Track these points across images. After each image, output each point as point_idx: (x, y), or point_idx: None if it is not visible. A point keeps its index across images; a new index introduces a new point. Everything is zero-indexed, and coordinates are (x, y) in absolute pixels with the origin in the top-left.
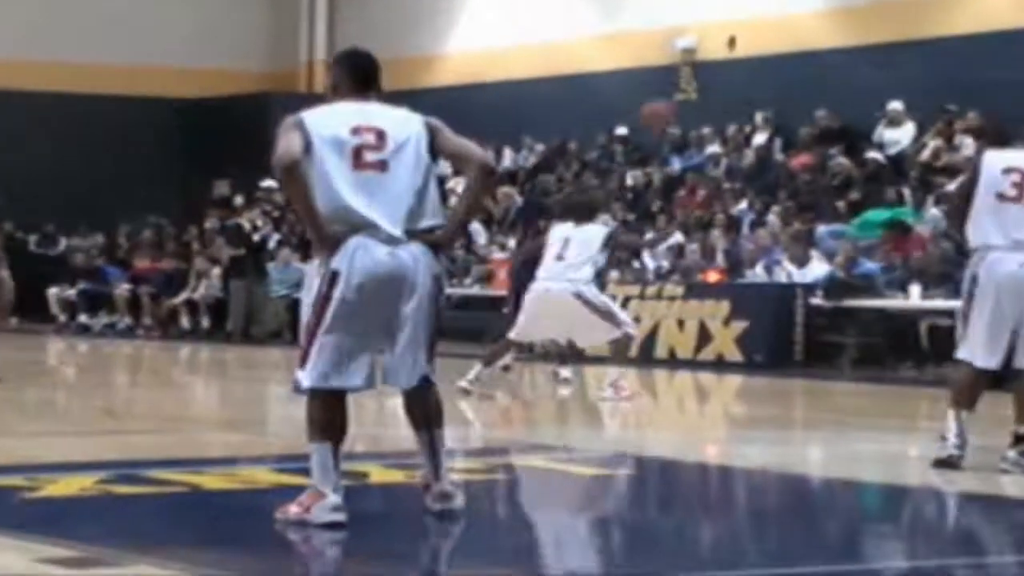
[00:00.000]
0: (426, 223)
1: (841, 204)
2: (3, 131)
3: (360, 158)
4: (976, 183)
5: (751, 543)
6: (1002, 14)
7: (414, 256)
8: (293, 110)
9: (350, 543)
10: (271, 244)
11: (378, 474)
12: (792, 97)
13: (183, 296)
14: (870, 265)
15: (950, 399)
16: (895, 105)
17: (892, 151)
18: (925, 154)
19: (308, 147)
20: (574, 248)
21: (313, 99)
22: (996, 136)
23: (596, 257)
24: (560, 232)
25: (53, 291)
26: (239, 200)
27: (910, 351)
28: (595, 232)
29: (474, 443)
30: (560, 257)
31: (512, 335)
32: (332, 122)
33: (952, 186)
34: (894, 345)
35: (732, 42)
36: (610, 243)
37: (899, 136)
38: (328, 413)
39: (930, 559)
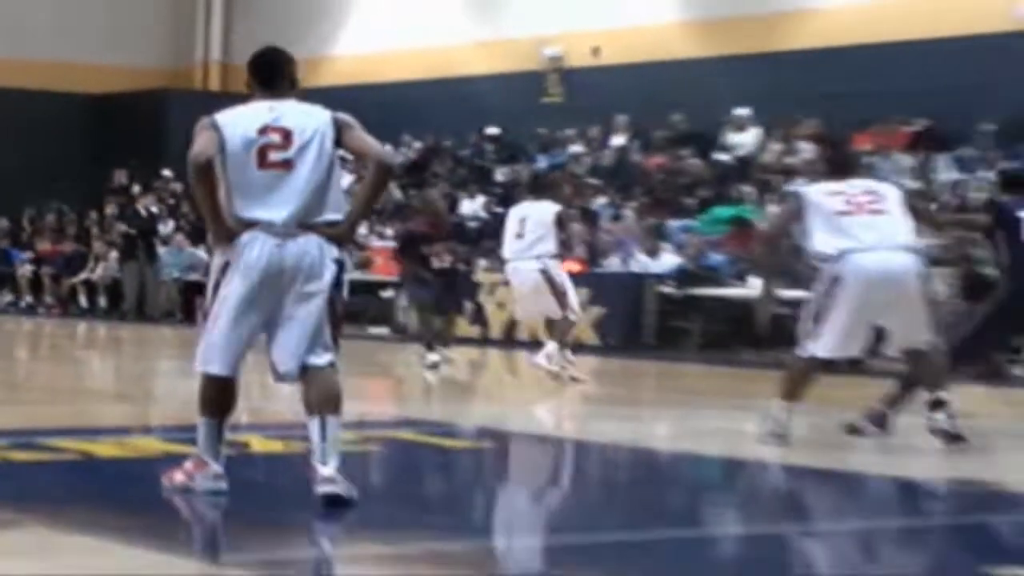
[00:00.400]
0: (327, 217)
1: (691, 201)
2: None
3: (265, 158)
4: (800, 215)
5: (600, 510)
6: (838, 32)
7: (303, 249)
8: (188, 105)
9: (230, 509)
10: (166, 229)
11: (259, 444)
12: (649, 102)
13: (82, 276)
14: (716, 257)
15: (782, 389)
16: (741, 112)
17: (738, 154)
18: (767, 157)
19: (222, 147)
20: (530, 225)
21: (207, 96)
22: (837, 165)
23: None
24: (517, 212)
25: None
26: (136, 188)
27: (750, 336)
28: (548, 209)
29: (351, 417)
30: (520, 235)
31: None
32: (242, 122)
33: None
34: (736, 330)
35: (596, 51)
36: (560, 221)
37: (745, 140)
38: (214, 392)
39: (762, 524)
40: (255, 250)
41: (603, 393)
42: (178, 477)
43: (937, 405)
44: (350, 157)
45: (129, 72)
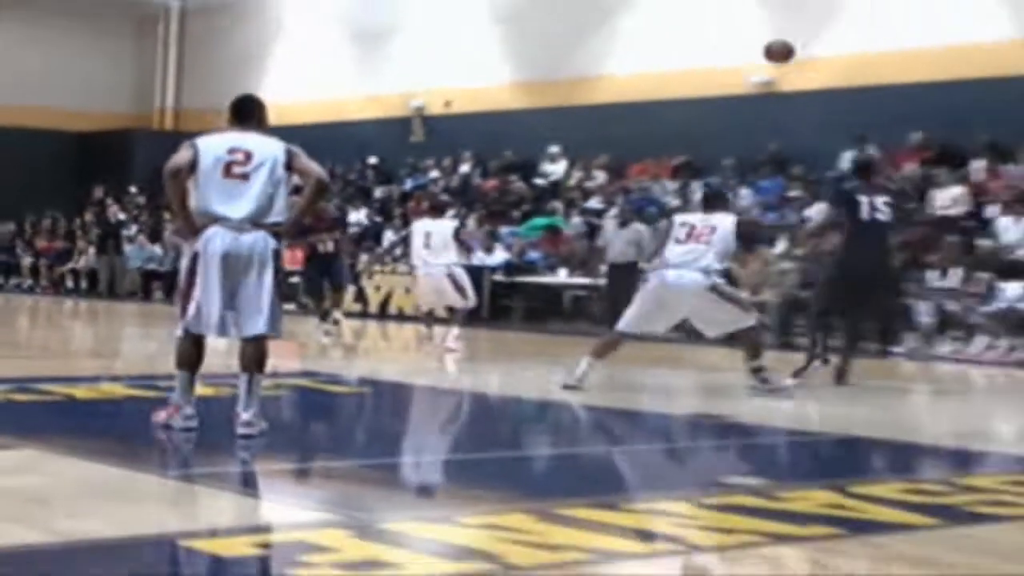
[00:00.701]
0: (273, 219)
1: (516, 213)
2: None
3: (229, 170)
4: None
5: (448, 436)
6: (624, 91)
7: (254, 240)
8: (148, 141)
9: (174, 438)
10: (130, 231)
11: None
12: (487, 141)
13: (69, 266)
14: (534, 254)
15: (593, 350)
16: (553, 148)
17: (551, 179)
18: (571, 182)
19: (195, 162)
20: (436, 239)
21: (163, 134)
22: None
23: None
24: (421, 226)
25: None
26: (109, 201)
27: (558, 312)
28: (448, 225)
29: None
30: (428, 246)
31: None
32: (215, 143)
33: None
34: (548, 308)
35: (448, 103)
36: (457, 234)
37: (556, 169)
38: (188, 350)
39: (565, 447)
40: (217, 240)
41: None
42: (162, 415)
43: (756, 371)
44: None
45: (104, 115)
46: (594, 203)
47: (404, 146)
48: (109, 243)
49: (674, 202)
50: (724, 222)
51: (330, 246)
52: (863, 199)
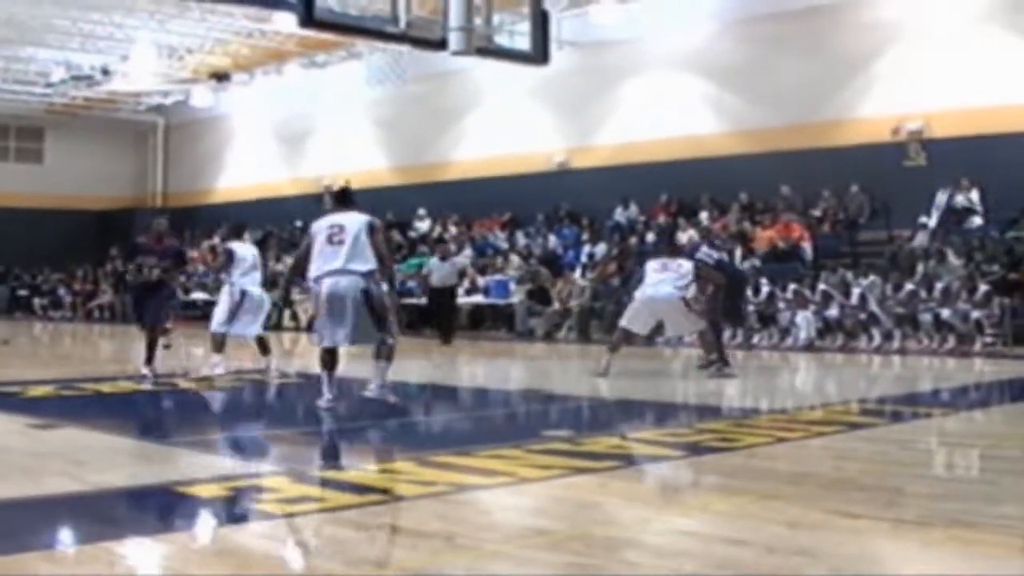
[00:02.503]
0: (363, 267)
1: (398, 256)
2: (11, 231)
3: (331, 239)
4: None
5: (354, 411)
6: (471, 170)
7: (348, 282)
8: (145, 215)
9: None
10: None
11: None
12: (374, 207)
13: (95, 302)
14: (411, 284)
15: (609, 347)
16: (421, 211)
17: (420, 232)
18: (434, 234)
19: (311, 237)
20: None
21: (155, 210)
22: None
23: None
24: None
25: (36, 300)
26: (119, 259)
27: (428, 323)
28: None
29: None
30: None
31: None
32: (322, 224)
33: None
34: (420, 320)
35: (348, 182)
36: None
37: (423, 225)
38: (328, 356)
39: (436, 415)
40: (326, 284)
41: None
42: (319, 402)
43: (708, 364)
44: None
45: (115, 198)
46: (451, 247)
47: (318, 213)
48: (121, 286)
49: (504, 246)
50: (686, 263)
51: (154, 274)
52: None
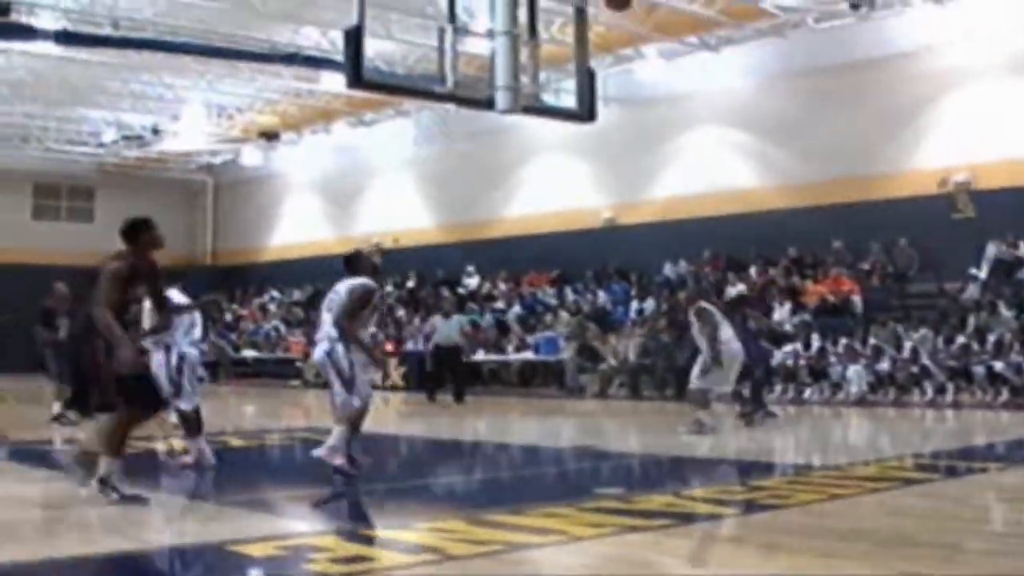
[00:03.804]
0: (336, 332)
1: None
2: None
3: (328, 307)
4: None
5: (402, 468)
6: (522, 227)
7: (320, 348)
8: (197, 274)
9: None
10: None
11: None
12: (424, 265)
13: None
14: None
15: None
16: (470, 268)
17: (469, 289)
18: (483, 290)
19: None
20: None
21: (206, 268)
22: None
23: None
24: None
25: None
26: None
27: (479, 380)
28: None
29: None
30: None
31: None
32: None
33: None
34: (472, 376)
35: (396, 240)
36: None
37: (471, 282)
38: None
39: (488, 473)
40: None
41: (408, 410)
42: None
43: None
44: None
45: (166, 256)
46: (499, 304)
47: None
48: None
49: (553, 302)
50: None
51: (61, 332)
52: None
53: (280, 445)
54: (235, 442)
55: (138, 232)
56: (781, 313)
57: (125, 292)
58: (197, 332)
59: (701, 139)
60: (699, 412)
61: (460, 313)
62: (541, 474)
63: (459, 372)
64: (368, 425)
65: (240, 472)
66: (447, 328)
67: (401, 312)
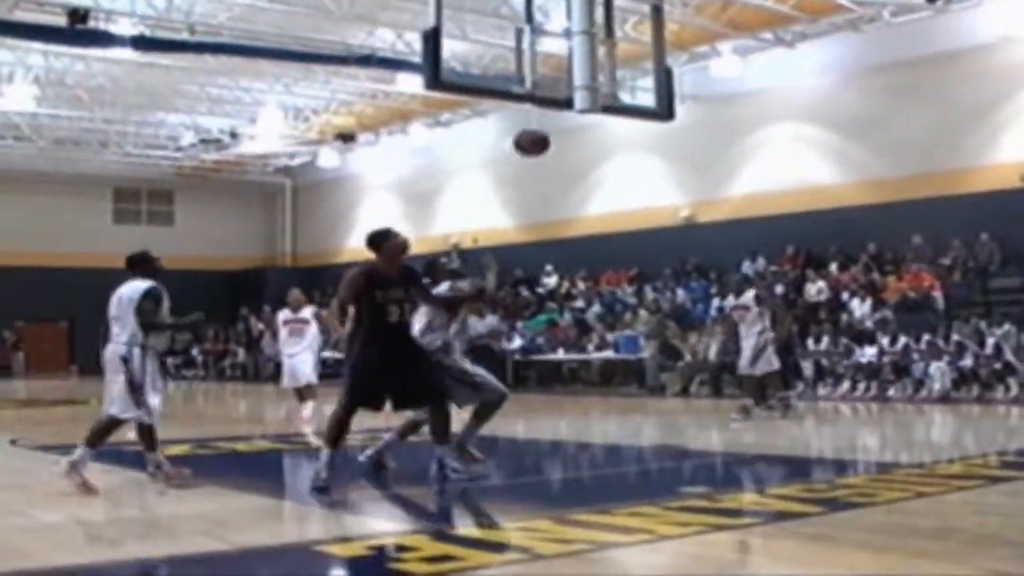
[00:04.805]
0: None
1: (527, 312)
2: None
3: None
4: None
5: (490, 467)
6: (598, 226)
7: None
8: (276, 275)
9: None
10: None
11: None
12: (502, 265)
13: (228, 361)
14: (540, 340)
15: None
16: (548, 267)
17: (548, 288)
18: (562, 290)
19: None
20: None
21: (285, 269)
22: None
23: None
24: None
25: (169, 359)
26: (252, 316)
27: (559, 379)
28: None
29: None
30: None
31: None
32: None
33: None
34: (552, 377)
35: (475, 240)
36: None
37: (550, 281)
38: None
39: (572, 472)
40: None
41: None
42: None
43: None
44: None
45: (245, 258)
46: (578, 303)
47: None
48: (252, 345)
49: (632, 301)
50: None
51: None
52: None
53: (361, 446)
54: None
55: (379, 242)
56: (861, 310)
57: (359, 295)
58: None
59: (778, 135)
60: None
61: (545, 313)
62: (624, 473)
63: (495, 370)
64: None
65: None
66: (481, 327)
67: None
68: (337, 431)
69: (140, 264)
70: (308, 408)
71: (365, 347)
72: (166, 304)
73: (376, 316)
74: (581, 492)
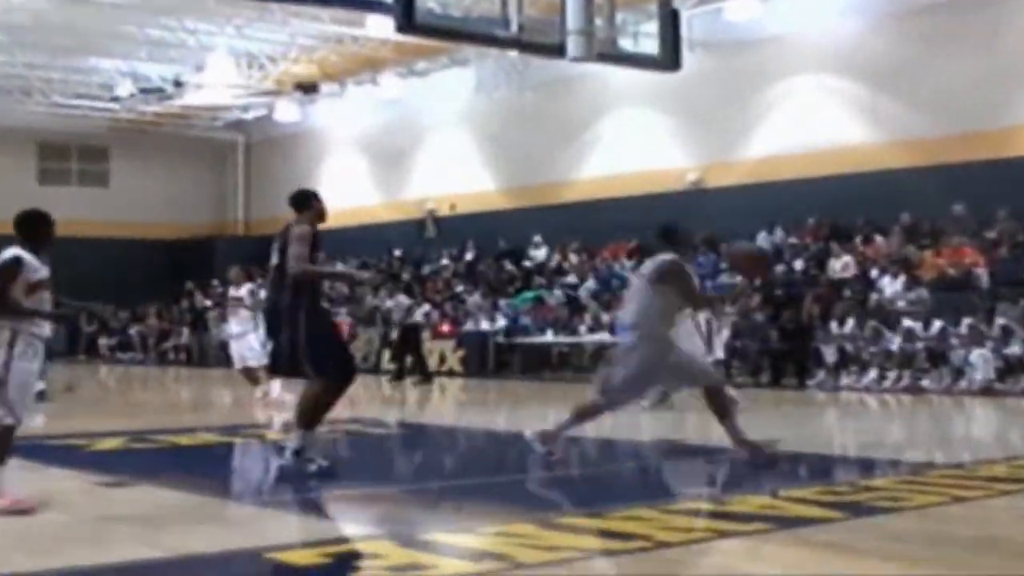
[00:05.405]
0: None
1: (510, 289)
2: (75, 262)
3: None
4: None
5: (465, 465)
6: (591, 191)
7: None
8: (227, 244)
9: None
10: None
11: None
12: (485, 234)
13: (171, 342)
14: (526, 320)
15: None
16: (536, 238)
17: (536, 261)
18: (552, 263)
19: None
20: None
21: (237, 238)
22: None
23: None
24: None
25: (103, 340)
26: (198, 292)
27: (547, 365)
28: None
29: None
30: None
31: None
32: None
33: None
34: (539, 362)
35: (453, 206)
36: None
37: (539, 254)
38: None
39: (560, 471)
40: None
41: (467, 399)
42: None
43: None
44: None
45: (191, 226)
46: (570, 279)
47: (420, 240)
48: (199, 324)
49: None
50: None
51: None
52: None
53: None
54: (272, 435)
55: (310, 201)
56: (893, 288)
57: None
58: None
59: (800, 88)
60: None
61: (531, 290)
62: (620, 472)
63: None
64: (424, 416)
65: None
66: (405, 306)
67: (460, 288)
68: (318, 412)
69: (27, 227)
70: (270, 389)
71: (319, 315)
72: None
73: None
74: (570, 493)
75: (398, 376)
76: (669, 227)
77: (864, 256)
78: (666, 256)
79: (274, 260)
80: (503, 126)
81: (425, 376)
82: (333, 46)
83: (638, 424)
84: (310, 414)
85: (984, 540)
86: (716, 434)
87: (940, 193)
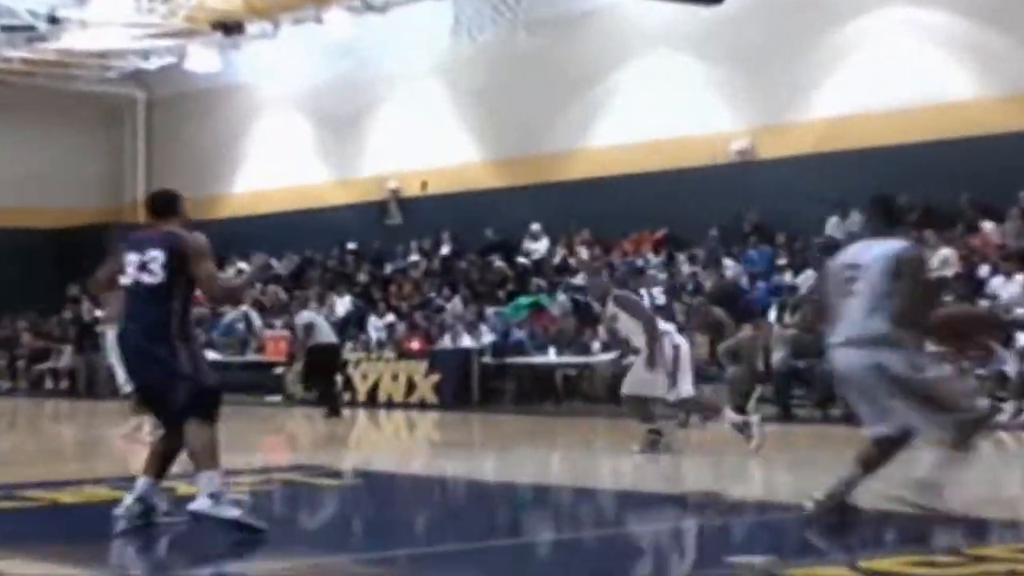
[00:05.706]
0: None
1: (500, 293)
2: None
3: None
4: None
5: (438, 527)
6: (600, 165)
7: None
8: (123, 236)
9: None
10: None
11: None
12: (466, 221)
13: (47, 365)
14: (520, 334)
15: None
16: (535, 227)
17: (534, 257)
18: (555, 259)
19: None
20: None
21: (136, 226)
22: None
23: None
24: None
25: None
26: (85, 300)
27: (549, 392)
28: None
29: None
30: None
31: None
32: None
33: None
34: (540, 389)
35: (424, 185)
36: None
37: (538, 247)
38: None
39: (567, 533)
40: None
41: (441, 439)
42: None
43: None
44: None
45: (75, 211)
46: (579, 280)
47: (381, 229)
48: (86, 342)
49: (660, 276)
50: None
51: None
52: None
53: (252, 491)
54: (183, 488)
55: (178, 205)
56: (1009, 291)
57: None
58: None
59: (881, 27)
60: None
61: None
62: (646, 534)
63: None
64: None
65: (193, 535)
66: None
67: (433, 293)
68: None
69: None
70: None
71: (193, 340)
72: None
73: (190, 299)
74: (581, 562)
75: (332, 409)
76: (888, 200)
77: (969, 248)
78: (899, 242)
79: (147, 279)
80: (489, 79)
81: (333, 409)
82: None
83: (670, 472)
84: (210, 452)
85: None
86: (779, 484)
87: None
